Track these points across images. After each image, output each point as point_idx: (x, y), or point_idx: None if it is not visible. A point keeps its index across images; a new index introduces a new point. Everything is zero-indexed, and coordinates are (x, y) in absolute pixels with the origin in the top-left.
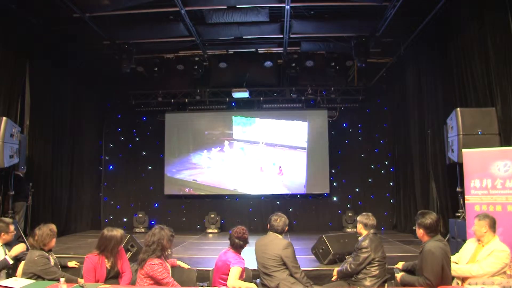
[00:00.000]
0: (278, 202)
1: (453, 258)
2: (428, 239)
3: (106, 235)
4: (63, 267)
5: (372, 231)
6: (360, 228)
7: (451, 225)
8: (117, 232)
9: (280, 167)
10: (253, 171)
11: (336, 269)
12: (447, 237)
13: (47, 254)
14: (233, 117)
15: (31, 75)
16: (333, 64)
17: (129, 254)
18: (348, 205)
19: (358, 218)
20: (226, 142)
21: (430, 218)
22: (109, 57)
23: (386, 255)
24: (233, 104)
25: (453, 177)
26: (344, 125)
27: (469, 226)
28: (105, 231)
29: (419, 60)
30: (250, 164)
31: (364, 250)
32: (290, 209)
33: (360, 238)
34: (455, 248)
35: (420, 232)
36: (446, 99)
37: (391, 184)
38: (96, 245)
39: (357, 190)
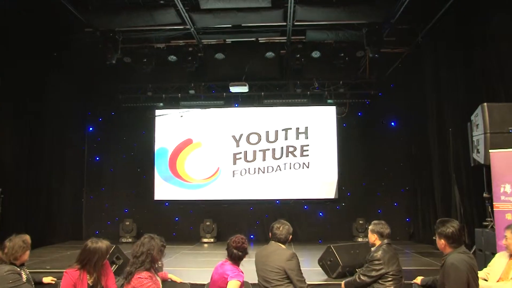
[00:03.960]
0: (280, 208)
1: (480, 273)
2: (450, 251)
3: (90, 248)
4: (37, 284)
5: (386, 241)
6: (372, 238)
7: (478, 235)
8: (103, 244)
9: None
10: (253, 173)
11: (344, 282)
12: (473, 249)
13: (18, 269)
14: (230, 112)
15: None
16: (342, 55)
17: (114, 267)
18: (359, 212)
19: (370, 226)
20: (224, 141)
21: (452, 226)
22: (93, 47)
23: (402, 268)
24: (231, 99)
25: (478, 181)
26: (354, 122)
27: (499, 238)
28: (89, 242)
29: (439, 49)
30: (250, 166)
31: (376, 262)
32: (294, 216)
33: (372, 249)
34: (483, 263)
35: (441, 242)
36: (470, 93)
37: (407, 188)
38: (77, 258)
39: (368, 195)
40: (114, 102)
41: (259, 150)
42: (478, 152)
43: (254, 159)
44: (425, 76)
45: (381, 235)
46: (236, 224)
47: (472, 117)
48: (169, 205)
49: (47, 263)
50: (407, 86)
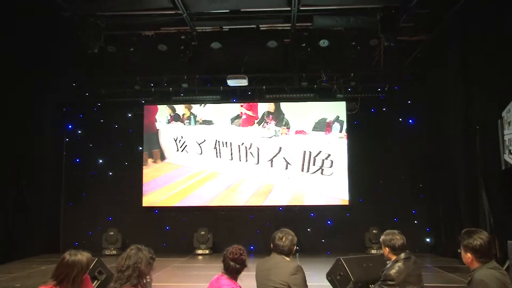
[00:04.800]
0: (284, 216)
1: None
2: (478, 266)
3: (68, 261)
4: None
5: (403, 255)
6: (385, 251)
7: (511, 248)
8: (83, 257)
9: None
10: (253, 177)
11: None
12: (506, 264)
13: None
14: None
15: None
16: (353, 43)
17: (96, 283)
18: (372, 220)
19: (382, 238)
20: (219, 142)
21: (480, 238)
22: (71, 33)
23: (424, 285)
24: (229, 94)
25: (511, 185)
26: (367, 120)
27: None
28: (66, 255)
29: (466, 36)
30: (249, 169)
31: (389, 283)
32: (299, 224)
33: (388, 263)
34: None
35: (467, 256)
36: (500, 86)
37: (427, 194)
38: (53, 274)
39: (383, 201)
40: (97, 96)
41: (259, 150)
42: (510, 153)
43: (257, 161)
44: (448, 67)
45: (393, 248)
46: (234, 233)
47: (503, 113)
48: (158, 213)
49: (17, 281)
50: (427, 79)
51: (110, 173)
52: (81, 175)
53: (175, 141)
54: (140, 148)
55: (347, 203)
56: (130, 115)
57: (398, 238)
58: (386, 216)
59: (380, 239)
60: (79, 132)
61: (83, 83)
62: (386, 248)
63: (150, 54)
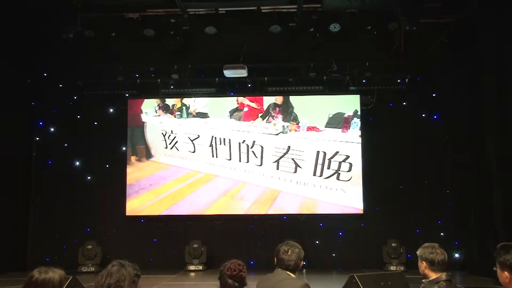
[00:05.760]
0: (289, 226)
1: None
2: None
3: (37, 279)
4: None
5: (444, 276)
6: (421, 266)
7: None
8: (55, 274)
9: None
10: (253, 181)
11: None
12: None
13: None
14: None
15: None
16: (369, 28)
17: None
18: (391, 232)
19: (419, 251)
20: (216, 139)
21: None
22: (42, 15)
23: None
24: (226, 86)
25: None
26: (384, 116)
27: None
28: (35, 273)
29: (503, 17)
30: (248, 171)
31: None
32: (306, 236)
33: (424, 284)
34: None
35: (504, 276)
36: None
37: (454, 201)
38: None
39: (403, 209)
40: (73, 89)
41: (264, 149)
42: None
43: (260, 162)
44: (482, 53)
45: (431, 263)
46: (232, 246)
47: None
48: (145, 222)
49: None
50: (455, 68)
51: (89, 177)
52: (54, 179)
53: (164, 136)
54: (124, 148)
55: (361, 211)
56: (111, 110)
57: (439, 252)
58: (407, 227)
59: (417, 252)
60: (52, 130)
61: (56, 73)
62: (423, 262)
63: (135, 40)
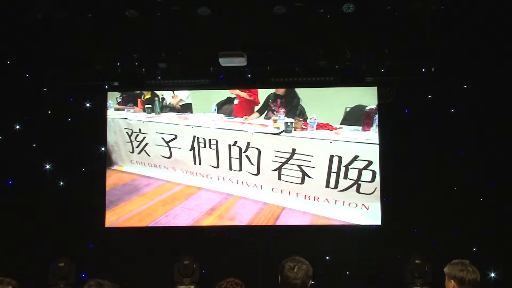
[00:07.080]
0: (294, 239)
1: None
2: None
3: None
4: None
5: None
6: (450, 285)
7: None
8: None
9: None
10: (250, 195)
11: None
12: None
13: None
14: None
15: None
16: (388, 8)
17: None
18: (414, 247)
19: (447, 269)
20: (199, 140)
21: None
22: None
23: None
24: (221, 77)
25: None
26: (406, 111)
27: None
28: None
29: None
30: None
31: None
32: (315, 250)
33: None
34: None
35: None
36: None
37: (491, 212)
38: None
39: (428, 221)
40: (40, 79)
41: (261, 154)
42: None
43: (256, 171)
44: None
45: (461, 282)
46: (228, 263)
47: None
48: (127, 236)
49: None
50: (489, 56)
51: (61, 183)
52: (19, 186)
53: (129, 137)
54: (103, 148)
55: (379, 222)
56: (88, 104)
57: (470, 270)
58: (433, 241)
59: (445, 270)
60: (17, 127)
61: (22, 61)
62: (452, 281)
63: (115, 22)
